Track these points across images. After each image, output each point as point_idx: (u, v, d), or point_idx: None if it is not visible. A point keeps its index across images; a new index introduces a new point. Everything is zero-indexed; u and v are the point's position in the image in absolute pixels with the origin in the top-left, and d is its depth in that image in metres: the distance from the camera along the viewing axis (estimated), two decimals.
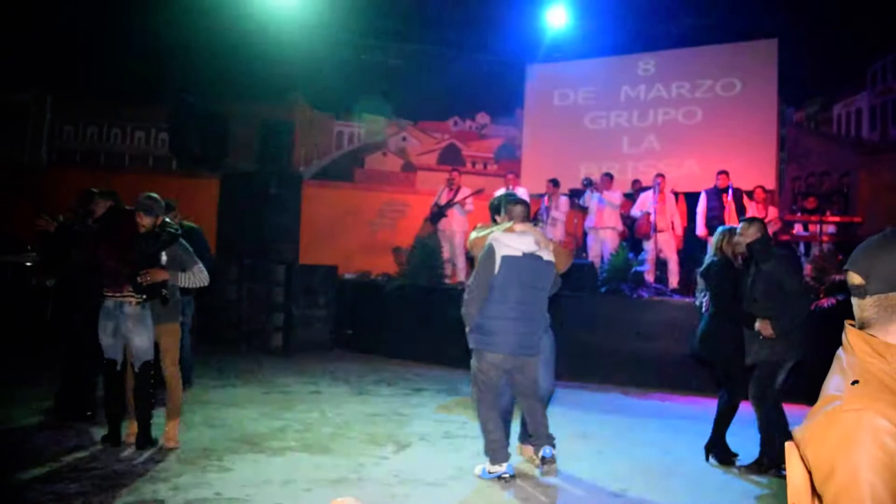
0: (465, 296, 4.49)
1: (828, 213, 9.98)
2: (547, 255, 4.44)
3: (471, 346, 4.52)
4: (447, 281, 9.98)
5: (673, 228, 9.71)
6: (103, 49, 11.43)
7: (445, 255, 10.12)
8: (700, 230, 9.68)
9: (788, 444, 1.40)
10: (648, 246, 9.50)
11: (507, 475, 4.40)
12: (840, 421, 1.29)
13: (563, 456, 4.72)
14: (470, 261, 6.17)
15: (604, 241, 9.78)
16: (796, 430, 1.37)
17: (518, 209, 4.56)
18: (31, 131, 11.12)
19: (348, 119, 13.33)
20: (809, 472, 1.32)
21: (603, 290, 8.49)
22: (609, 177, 10.15)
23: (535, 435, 4.58)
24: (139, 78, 11.48)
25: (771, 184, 11.13)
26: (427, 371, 8.61)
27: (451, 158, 13.41)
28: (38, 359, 7.28)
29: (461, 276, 10.23)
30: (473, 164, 13.62)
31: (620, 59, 12.87)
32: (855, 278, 1.43)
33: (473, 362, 4.52)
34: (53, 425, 5.31)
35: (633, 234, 9.90)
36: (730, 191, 9.51)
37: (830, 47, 11.41)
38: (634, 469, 4.89)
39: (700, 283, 5.22)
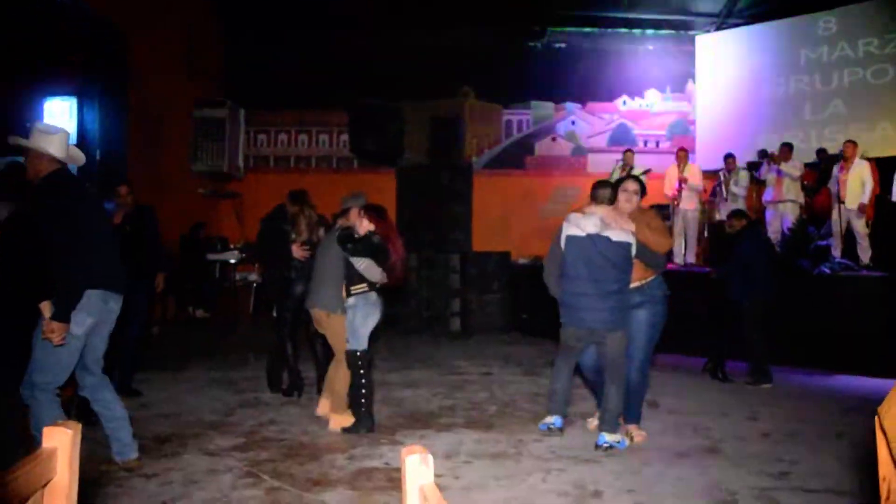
0: (544, 271, 5.24)
1: None
2: (617, 236, 4.81)
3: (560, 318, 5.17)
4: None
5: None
6: (287, 63, 13.61)
7: None
8: (894, 197, 9.68)
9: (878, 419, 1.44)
10: (833, 219, 9.69)
11: (553, 426, 5.19)
12: None
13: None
14: None
15: (784, 215, 10.10)
16: (882, 406, 1.44)
17: (599, 193, 5.01)
18: (229, 143, 13.28)
19: (516, 107, 14.68)
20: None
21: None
22: (788, 147, 10.36)
23: (600, 414, 5.13)
24: (321, 87, 13.60)
25: None
26: None
27: (622, 139, 14.33)
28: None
29: None
30: (646, 143, 14.46)
31: (797, 20, 13.18)
32: None
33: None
34: (259, 401, 6.46)
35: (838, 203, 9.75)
36: None
37: None
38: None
39: None
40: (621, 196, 5.04)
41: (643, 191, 5.15)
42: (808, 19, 13.10)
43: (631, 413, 5.33)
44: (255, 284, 11.95)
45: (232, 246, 12.44)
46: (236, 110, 13.57)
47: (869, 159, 10.37)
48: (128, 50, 10.36)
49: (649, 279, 5.16)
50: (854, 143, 9.87)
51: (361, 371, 5.33)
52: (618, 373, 4.98)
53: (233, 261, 12.24)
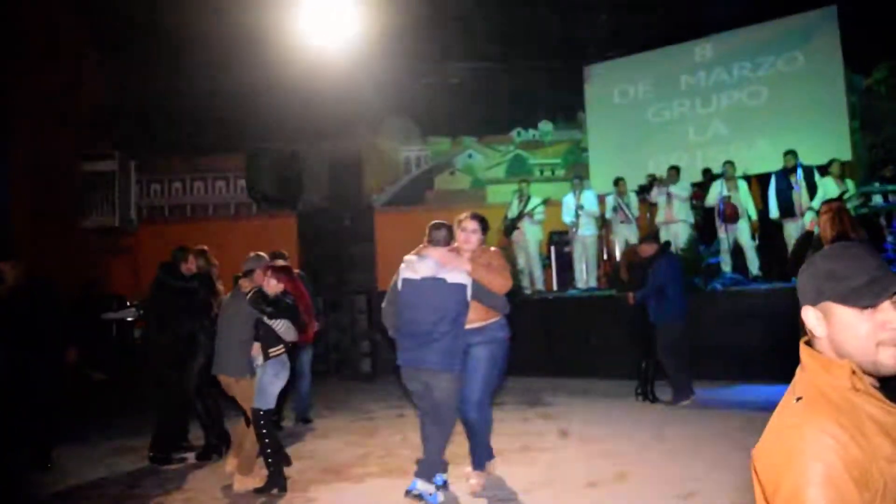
0: (382, 314, 5.12)
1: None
2: (452, 277, 4.74)
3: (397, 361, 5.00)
4: (526, 291, 11.15)
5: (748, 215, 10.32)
6: (178, 109, 13.30)
7: (521, 265, 11.30)
8: (773, 213, 10.33)
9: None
10: (723, 235, 10.26)
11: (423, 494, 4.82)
12: (784, 437, 1.46)
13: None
14: None
15: (676, 235, 10.51)
16: (756, 448, 1.53)
17: (434, 234, 4.95)
18: (119, 195, 12.85)
19: (414, 144, 14.80)
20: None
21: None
22: (675, 169, 10.94)
23: (419, 459, 4.99)
24: (215, 132, 13.35)
25: (846, 155, 11.83)
26: (508, 383, 9.14)
27: (518, 169, 14.66)
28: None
29: (539, 285, 11.41)
30: (542, 172, 14.81)
31: (675, 48, 13.79)
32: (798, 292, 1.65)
33: None
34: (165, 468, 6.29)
35: (723, 221, 10.35)
36: (799, 170, 10.08)
37: (892, 7, 12.13)
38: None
39: None
40: (460, 236, 4.98)
41: (485, 229, 5.08)
42: (686, 47, 13.75)
43: (477, 457, 5.25)
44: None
45: (129, 303, 11.99)
46: (126, 161, 13.16)
47: (749, 177, 11.01)
48: (9, 104, 9.95)
49: (491, 321, 5.07)
50: (732, 164, 10.45)
51: (264, 430, 5.21)
52: (442, 416, 4.87)
53: (130, 319, 11.80)
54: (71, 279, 11.07)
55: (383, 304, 5.08)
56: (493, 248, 5.31)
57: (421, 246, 4.99)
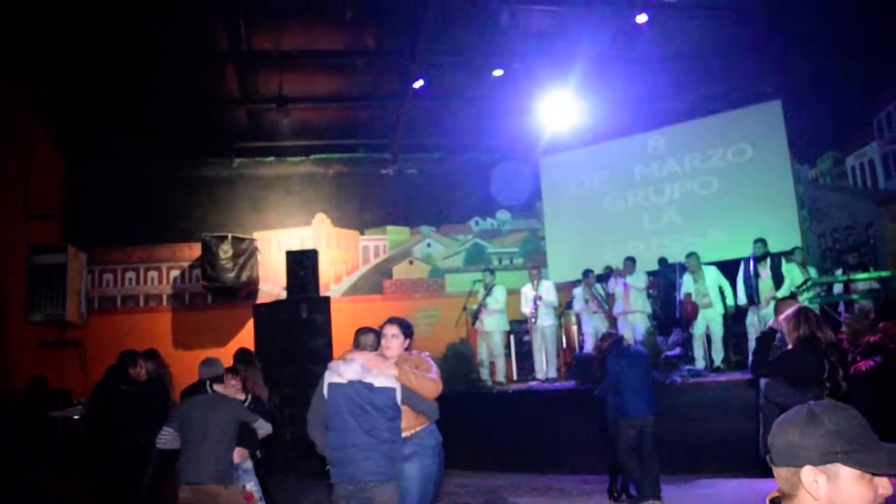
0: (307, 424, 4.83)
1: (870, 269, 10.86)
2: (380, 381, 4.60)
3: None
4: (488, 382, 11.04)
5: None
6: (134, 198, 13.22)
7: (482, 356, 11.22)
8: (741, 300, 10.26)
9: None
10: (690, 327, 10.26)
11: None
12: None
13: None
14: None
15: (634, 326, 10.58)
16: None
17: (360, 339, 4.86)
18: (69, 288, 12.53)
19: (373, 232, 14.81)
20: None
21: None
22: (631, 260, 11.03)
23: None
24: (171, 221, 13.23)
25: (797, 243, 12.09)
26: (469, 480, 9.15)
27: (476, 258, 14.74)
28: None
29: (500, 376, 11.30)
30: (500, 261, 14.90)
31: (629, 139, 14.21)
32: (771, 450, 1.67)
33: None
34: None
35: (682, 319, 10.46)
36: (767, 258, 10.13)
37: (834, 102, 12.60)
38: None
39: None
40: (383, 341, 4.86)
41: (407, 333, 4.98)
42: (639, 138, 14.15)
43: None
44: None
45: (75, 401, 11.52)
46: (77, 252, 12.90)
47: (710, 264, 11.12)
48: None
49: (420, 427, 4.89)
50: (695, 254, 10.61)
51: None
52: None
53: (76, 417, 11.32)
54: (18, 375, 10.69)
55: (308, 415, 4.79)
56: (421, 354, 5.14)
57: (346, 351, 4.87)
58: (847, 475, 1.53)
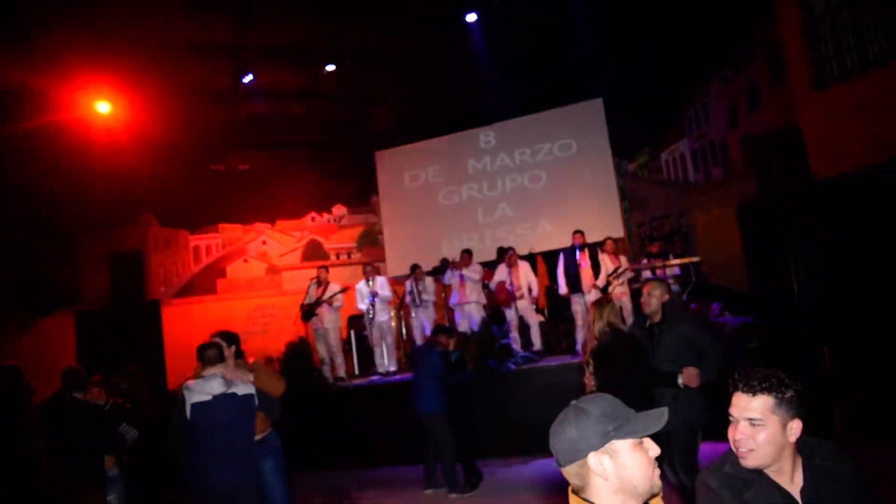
0: (168, 450, 4.88)
1: (670, 256, 11.83)
2: (243, 389, 4.82)
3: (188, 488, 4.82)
4: (329, 379, 10.97)
5: (530, 293, 10.88)
6: None
7: (321, 353, 11.12)
8: (562, 290, 10.99)
9: None
10: (510, 314, 10.75)
11: None
12: None
13: None
14: None
15: (470, 316, 10.90)
16: None
17: (207, 353, 4.94)
18: None
19: (205, 231, 14.31)
20: None
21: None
22: (468, 253, 11.38)
23: None
24: None
25: (619, 233, 12.91)
26: (318, 477, 9.20)
27: (313, 254, 14.60)
28: None
29: (341, 372, 11.26)
30: (338, 256, 14.85)
31: (461, 134, 14.57)
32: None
33: None
34: None
35: (495, 305, 11.05)
36: (586, 249, 10.67)
37: (649, 101, 13.52)
38: None
39: (591, 363, 5.36)
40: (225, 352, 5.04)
41: (232, 342, 5.23)
42: (472, 134, 14.50)
43: None
44: None
45: None
46: None
47: (533, 256, 11.65)
48: None
49: (268, 431, 5.36)
50: (513, 249, 11.17)
51: None
52: None
53: None
54: None
55: (169, 436, 4.78)
56: (255, 359, 5.62)
57: (196, 370, 4.94)
58: (624, 447, 1.76)
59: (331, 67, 12.22)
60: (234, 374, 4.88)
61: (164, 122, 12.71)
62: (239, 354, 5.32)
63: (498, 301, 10.84)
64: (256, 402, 4.88)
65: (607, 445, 1.75)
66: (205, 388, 4.73)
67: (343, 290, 11.01)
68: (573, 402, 1.88)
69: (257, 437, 5.06)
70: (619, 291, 10.21)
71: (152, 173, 13.13)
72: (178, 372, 11.66)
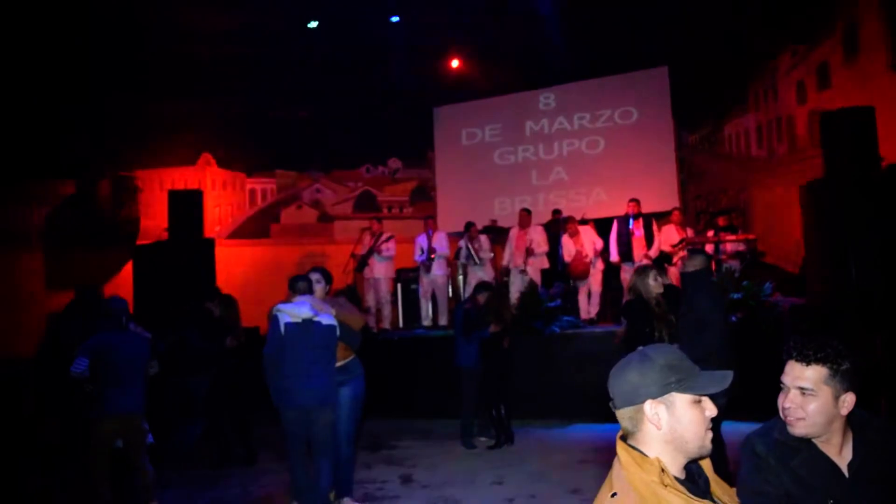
0: (265, 360, 5.39)
1: (739, 230, 11.56)
2: (326, 320, 5.35)
3: (274, 403, 5.40)
4: (374, 329, 11.10)
5: (597, 255, 10.79)
6: (6, 127, 12.29)
7: (369, 303, 11.25)
8: (613, 257, 10.88)
9: None
10: (580, 283, 10.75)
11: None
12: None
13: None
14: None
15: (521, 278, 10.80)
16: None
17: (298, 285, 5.49)
18: None
19: (260, 175, 14.50)
20: None
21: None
22: (527, 212, 11.38)
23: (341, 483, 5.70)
24: (47, 153, 12.41)
25: (675, 203, 12.64)
26: None
27: (366, 205, 14.71)
28: None
29: (386, 324, 11.39)
30: (389, 209, 14.94)
31: (521, 95, 14.43)
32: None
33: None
34: None
35: (570, 277, 10.88)
36: (640, 218, 10.68)
37: (716, 73, 13.19)
38: None
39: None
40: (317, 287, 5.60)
41: (328, 280, 5.81)
42: (532, 95, 14.36)
43: (344, 486, 5.80)
44: None
45: None
46: None
47: (587, 221, 11.53)
48: None
49: (349, 358, 5.78)
50: (573, 218, 11.09)
51: None
52: (329, 448, 5.47)
53: None
54: None
55: (265, 350, 5.34)
56: (336, 298, 6.00)
57: (288, 297, 5.48)
58: (682, 402, 1.75)
59: (395, 19, 12.14)
60: (320, 305, 5.39)
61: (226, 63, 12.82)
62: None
63: (575, 274, 10.75)
64: (338, 332, 5.41)
65: (666, 396, 1.75)
66: (294, 312, 5.28)
67: (388, 239, 11.07)
68: (641, 348, 1.89)
69: (338, 364, 5.55)
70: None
71: (213, 115, 13.31)
72: None
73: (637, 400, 1.77)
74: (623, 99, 13.73)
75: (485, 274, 11.17)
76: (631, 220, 10.73)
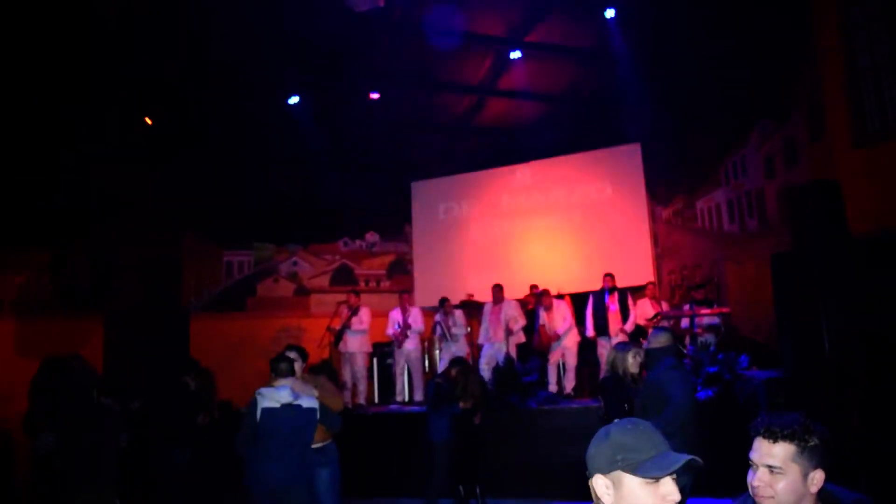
0: (236, 442, 5.50)
1: (714, 304, 11.62)
2: (307, 403, 5.46)
3: (244, 482, 5.49)
4: (349, 405, 10.93)
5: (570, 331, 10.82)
6: None
7: (345, 377, 11.11)
8: (589, 332, 10.96)
9: None
10: (550, 356, 10.69)
11: None
12: None
13: None
14: None
15: (499, 352, 10.84)
16: None
17: (280, 366, 5.61)
18: None
19: (237, 248, 14.47)
20: None
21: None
22: (499, 288, 11.41)
23: None
24: (18, 222, 12.35)
25: (650, 278, 12.77)
26: None
27: (343, 279, 14.67)
28: None
29: (362, 399, 11.23)
30: (367, 283, 14.90)
31: (498, 170, 14.67)
32: None
33: None
34: None
35: (533, 349, 10.92)
36: (615, 292, 10.83)
37: (688, 149, 13.49)
38: None
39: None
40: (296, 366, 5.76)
41: (304, 357, 6.03)
42: (508, 170, 14.61)
43: None
44: None
45: None
46: None
47: (562, 297, 11.56)
48: None
49: (328, 441, 6.03)
50: (547, 291, 11.14)
51: None
52: None
53: None
54: None
55: (239, 434, 5.42)
56: (316, 376, 6.19)
57: (270, 379, 5.60)
58: (630, 481, 1.73)
59: (375, 95, 12.36)
60: (302, 387, 5.54)
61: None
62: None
63: (541, 345, 10.74)
64: (318, 415, 5.50)
65: (613, 473, 1.75)
66: (274, 396, 5.37)
67: (357, 308, 11.04)
68: (616, 420, 1.92)
69: (316, 446, 5.71)
70: None
71: (191, 188, 13.33)
72: None
73: (591, 472, 1.80)
74: (598, 174, 13.95)
75: (459, 349, 11.13)
76: (606, 295, 10.79)
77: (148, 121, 12.37)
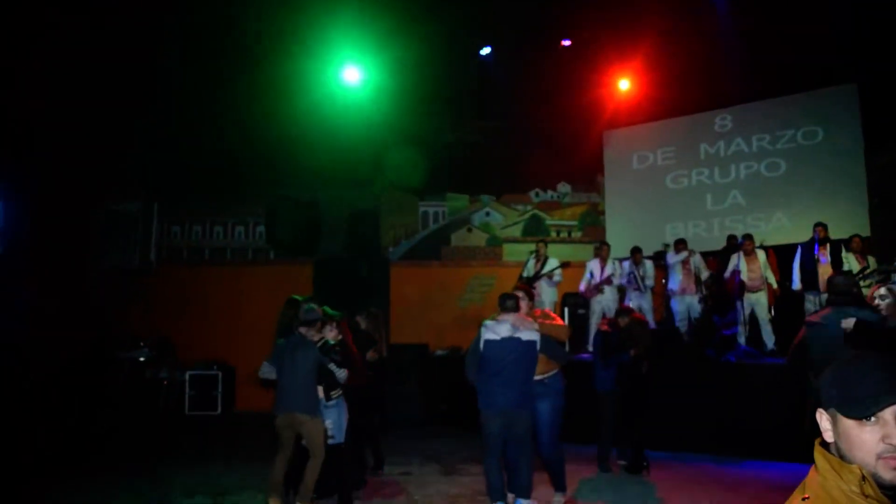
0: (465, 365, 5.99)
1: None
2: (526, 336, 5.76)
3: (478, 406, 5.89)
4: None
5: (768, 286, 10.24)
6: (202, 155, 13.38)
7: None
8: (796, 285, 10.22)
9: None
10: (739, 307, 10.12)
11: None
12: None
13: None
14: None
15: (691, 306, 10.65)
16: None
17: (506, 303, 5.93)
18: (140, 237, 12.82)
19: (433, 199, 14.90)
20: None
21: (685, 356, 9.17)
22: (682, 242, 11.20)
23: (515, 484, 5.90)
24: (236, 177, 13.49)
25: (865, 231, 11.69)
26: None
27: (535, 229, 14.73)
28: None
29: None
30: (558, 233, 14.87)
31: (696, 117, 13.99)
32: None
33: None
34: None
35: (727, 295, 10.45)
36: (827, 244, 10.04)
37: None
38: None
39: None
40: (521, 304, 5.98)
41: (530, 296, 6.24)
42: (707, 116, 13.87)
43: (558, 485, 6.32)
44: (164, 383, 11.52)
45: (141, 344, 11.92)
46: (149, 203, 13.17)
47: (766, 248, 10.90)
48: (36, 138, 10.03)
49: (550, 373, 6.15)
50: (751, 237, 10.39)
51: (347, 464, 6.27)
52: (525, 448, 5.79)
53: (142, 359, 11.74)
54: (86, 318, 11.08)
55: (466, 359, 5.95)
56: (544, 309, 6.75)
57: (495, 313, 5.94)
58: (842, 420, 1.59)
59: (566, 42, 12.15)
60: (523, 322, 5.78)
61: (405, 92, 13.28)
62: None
63: (727, 290, 10.26)
64: (539, 347, 5.79)
65: (830, 409, 1.63)
66: (496, 330, 5.78)
67: (564, 265, 10.99)
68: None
69: (538, 377, 5.96)
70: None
71: (390, 140, 13.82)
72: (396, 324, 12.34)
73: (822, 404, 1.67)
74: (807, 118, 12.94)
75: (647, 301, 10.92)
76: (816, 247, 10.03)
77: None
